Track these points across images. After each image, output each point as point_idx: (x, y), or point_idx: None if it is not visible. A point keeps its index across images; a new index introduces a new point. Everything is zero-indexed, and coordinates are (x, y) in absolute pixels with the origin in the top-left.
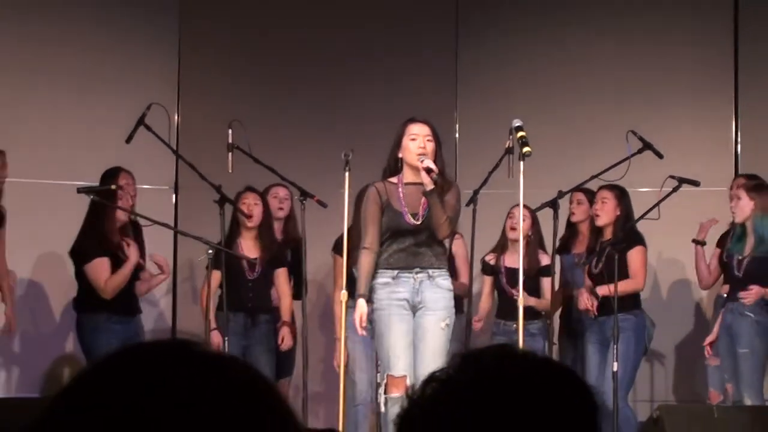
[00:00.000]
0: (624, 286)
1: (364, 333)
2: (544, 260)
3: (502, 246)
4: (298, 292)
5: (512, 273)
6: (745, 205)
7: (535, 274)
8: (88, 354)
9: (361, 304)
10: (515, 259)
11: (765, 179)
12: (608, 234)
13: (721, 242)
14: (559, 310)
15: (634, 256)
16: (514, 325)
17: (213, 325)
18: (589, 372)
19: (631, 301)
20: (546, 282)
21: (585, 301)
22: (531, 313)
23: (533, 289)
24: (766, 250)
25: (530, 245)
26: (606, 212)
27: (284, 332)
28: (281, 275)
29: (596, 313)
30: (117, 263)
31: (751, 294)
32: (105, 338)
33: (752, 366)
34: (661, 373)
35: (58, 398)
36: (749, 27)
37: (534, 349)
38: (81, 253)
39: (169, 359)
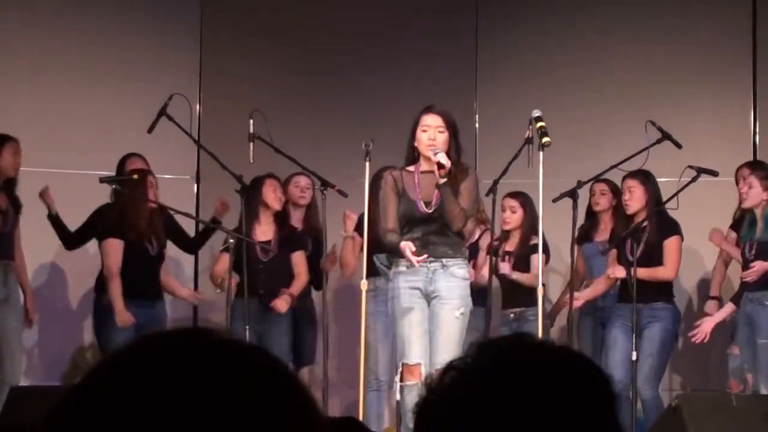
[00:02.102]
0: (655, 273)
1: (422, 258)
2: (533, 240)
3: (504, 234)
4: (318, 281)
5: (508, 255)
6: (757, 194)
7: (525, 253)
8: (99, 335)
9: (404, 243)
10: (511, 244)
11: None
12: (639, 219)
13: (735, 226)
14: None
15: (670, 245)
16: (512, 314)
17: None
18: (615, 359)
19: (669, 290)
20: (535, 258)
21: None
22: (529, 299)
23: (524, 269)
24: None
25: (523, 230)
26: (635, 200)
27: (281, 298)
28: (299, 257)
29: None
30: (137, 250)
31: (754, 271)
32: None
33: None
34: (679, 361)
35: (68, 395)
36: (767, 14)
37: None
38: (99, 232)
39: (181, 351)
